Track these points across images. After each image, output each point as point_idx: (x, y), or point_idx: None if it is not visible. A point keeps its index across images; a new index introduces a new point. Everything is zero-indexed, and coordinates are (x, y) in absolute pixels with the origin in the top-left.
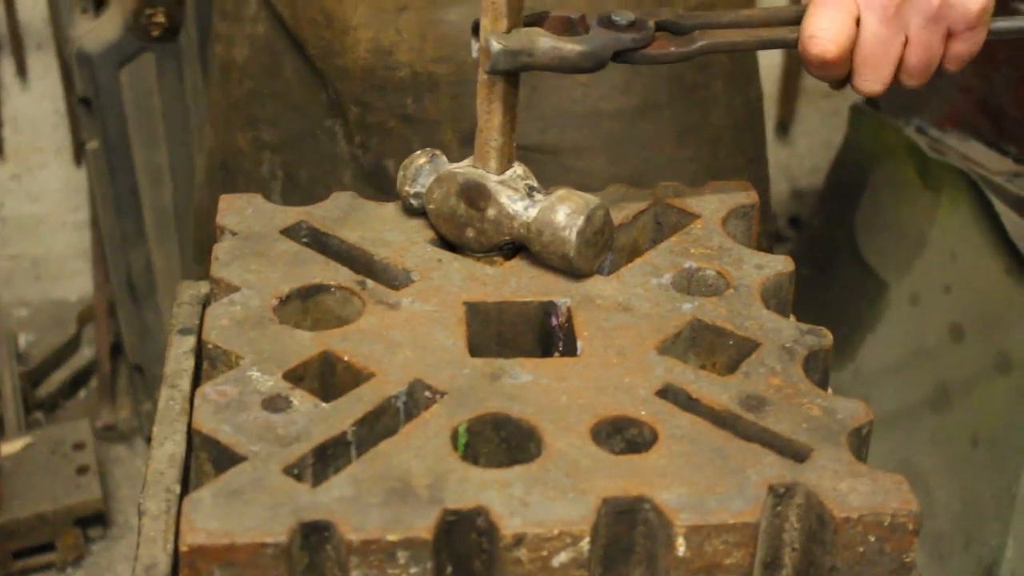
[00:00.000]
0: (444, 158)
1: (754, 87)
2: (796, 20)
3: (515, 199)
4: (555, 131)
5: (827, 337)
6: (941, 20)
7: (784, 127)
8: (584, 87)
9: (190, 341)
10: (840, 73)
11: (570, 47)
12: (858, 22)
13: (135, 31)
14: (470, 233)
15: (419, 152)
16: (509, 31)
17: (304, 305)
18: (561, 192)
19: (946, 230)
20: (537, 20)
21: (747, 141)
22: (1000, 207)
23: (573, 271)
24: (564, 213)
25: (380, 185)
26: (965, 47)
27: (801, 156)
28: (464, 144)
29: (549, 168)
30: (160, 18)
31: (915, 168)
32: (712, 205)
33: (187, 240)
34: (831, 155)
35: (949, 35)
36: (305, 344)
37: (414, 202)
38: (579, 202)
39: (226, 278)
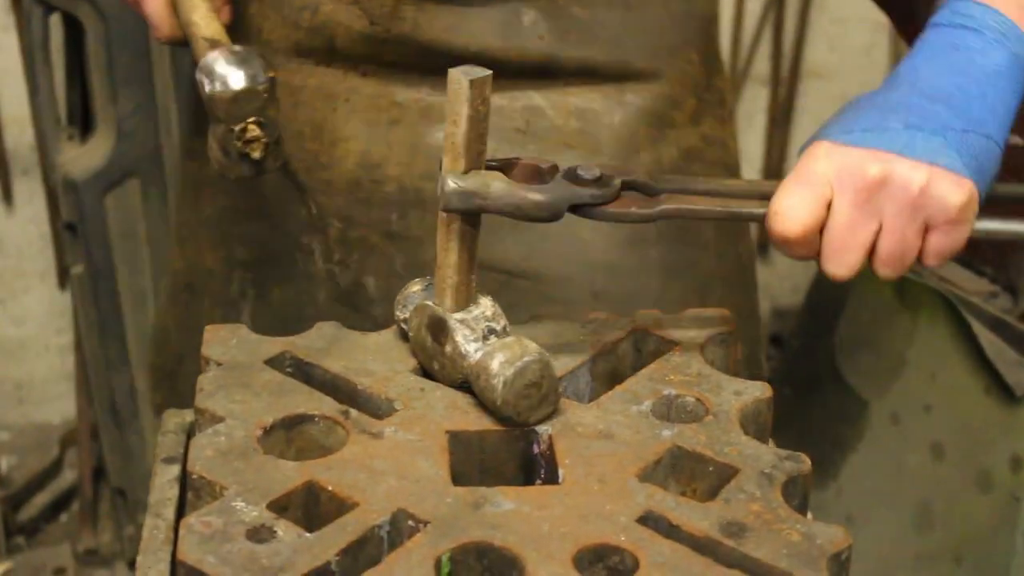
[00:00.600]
0: None
1: (745, 242)
2: (772, 194)
3: (469, 339)
4: (539, 258)
5: (805, 463)
6: (917, 211)
7: (764, 247)
8: (570, 218)
9: (174, 470)
10: (805, 253)
11: (525, 195)
12: (831, 205)
13: (229, 167)
14: (436, 366)
15: (416, 280)
16: (467, 172)
17: (288, 435)
18: (507, 340)
19: (925, 350)
20: (507, 165)
21: (738, 294)
22: (978, 327)
23: (502, 420)
24: (498, 362)
25: (355, 304)
26: (944, 242)
27: (781, 276)
28: None
29: (531, 295)
30: (255, 131)
31: (893, 288)
32: (691, 332)
33: (142, 366)
34: (811, 275)
35: (928, 228)
36: (289, 474)
37: (405, 327)
38: (516, 352)
39: (211, 408)
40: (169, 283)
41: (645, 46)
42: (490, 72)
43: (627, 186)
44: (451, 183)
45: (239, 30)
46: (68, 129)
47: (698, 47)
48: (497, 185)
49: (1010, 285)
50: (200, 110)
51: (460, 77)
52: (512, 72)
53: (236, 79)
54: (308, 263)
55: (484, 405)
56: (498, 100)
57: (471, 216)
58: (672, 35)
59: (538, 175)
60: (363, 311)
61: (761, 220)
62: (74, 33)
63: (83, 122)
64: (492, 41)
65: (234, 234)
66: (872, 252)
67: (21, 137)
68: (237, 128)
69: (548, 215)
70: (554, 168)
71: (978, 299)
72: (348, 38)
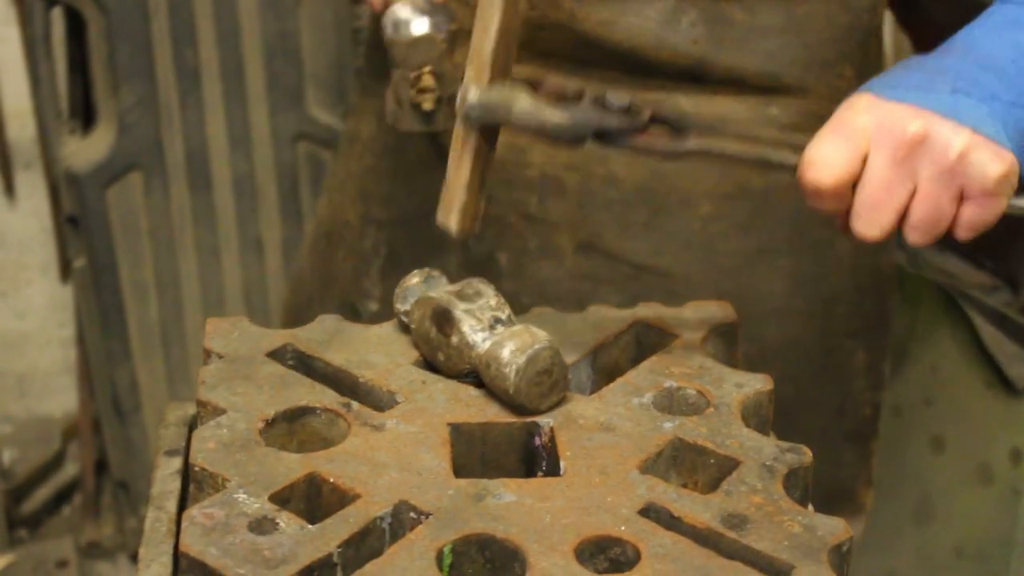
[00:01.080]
0: (443, 279)
1: (887, 256)
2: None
3: (476, 329)
4: (669, 256)
5: (807, 455)
6: (954, 177)
7: None
8: (703, 220)
9: (176, 463)
10: (835, 207)
11: (549, 114)
12: (867, 160)
13: (400, 117)
14: (440, 357)
15: (415, 272)
16: (495, 61)
17: (290, 427)
18: (516, 328)
19: (926, 344)
20: (534, 84)
21: (870, 307)
22: (978, 321)
23: (516, 408)
24: (509, 350)
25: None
26: (978, 214)
27: None
28: (579, 251)
29: (657, 291)
30: (429, 81)
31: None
32: (692, 325)
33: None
34: None
35: (963, 198)
36: (291, 466)
37: (405, 319)
38: (526, 340)
39: (213, 401)
40: (312, 229)
41: (799, 59)
42: None
43: (656, 119)
44: (473, 93)
45: None
46: (70, 122)
47: (853, 61)
48: (522, 101)
49: (1011, 278)
50: (369, 67)
51: None
52: (662, 73)
53: (418, 25)
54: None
55: (490, 395)
56: (646, 99)
57: (489, 132)
58: (829, 49)
59: (563, 97)
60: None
61: (793, 169)
62: (76, 26)
63: (85, 115)
64: (646, 40)
65: (375, 192)
66: (904, 216)
67: (23, 130)
68: (412, 75)
69: (571, 137)
70: (581, 92)
71: (979, 292)
72: None
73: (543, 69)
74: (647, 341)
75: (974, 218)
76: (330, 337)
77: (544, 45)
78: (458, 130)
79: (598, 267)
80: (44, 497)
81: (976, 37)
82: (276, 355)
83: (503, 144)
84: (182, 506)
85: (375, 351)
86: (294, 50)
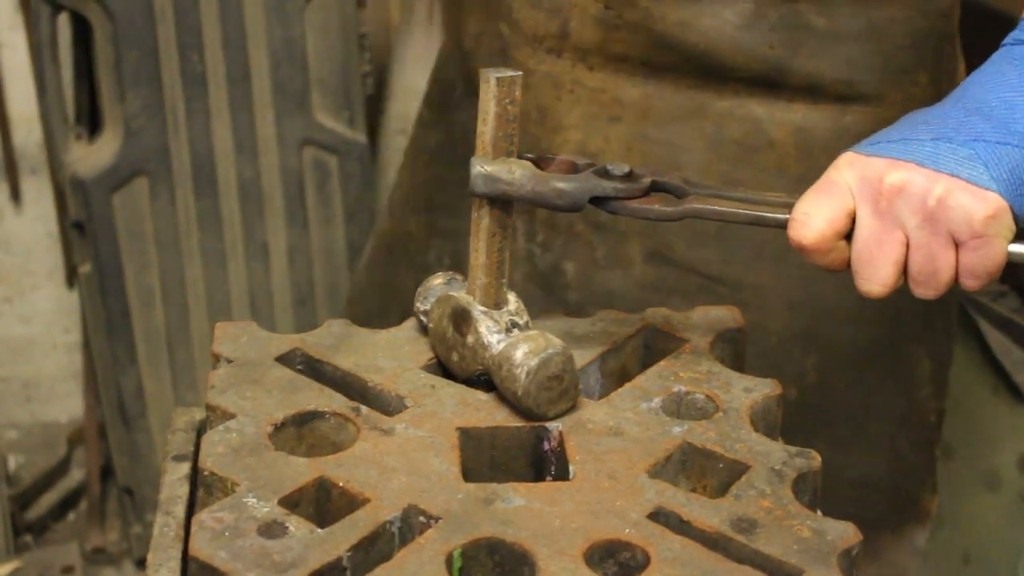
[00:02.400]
0: (463, 282)
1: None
2: None
3: (493, 331)
4: (739, 267)
5: (815, 459)
6: (938, 224)
7: None
8: (749, 310)
9: (185, 468)
10: (827, 263)
11: (548, 183)
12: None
13: None
14: (455, 357)
15: (438, 273)
16: (496, 144)
17: (299, 432)
18: (531, 332)
19: None
20: (545, 160)
21: (934, 314)
22: (986, 327)
23: (524, 412)
24: (522, 352)
25: (551, 287)
26: (974, 259)
27: None
28: (648, 260)
29: (728, 301)
30: None
31: None
32: (700, 330)
33: (150, 365)
34: None
35: (958, 246)
36: (300, 470)
37: (424, 319)
38: (540, 343)
39: (222, 405)
40: (372, 244)
41: (876, 65)
42: (520, 73)
43: (657, 187)
44: (477, 167)
45: (495, 9)
46: (76, 128)
47: (928, 68)
48: (521, 172)
49: (1018, 285)
50: (437, 83)
51: (489, 76)
52: (737, 79)
53: None
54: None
55: (499, 400)
56: (719, 106)
57: (500, 211)
58: (906, 55)
59: (573, 170)
60: (557, 295)
61: (784, 226)
62: (82, 32)
63: (91, 121)
64: (723, 42)
65: (439, 203)
66: (905, 270)
67: (29, 136)
68: None
69: (569, 204)
70: (590, 164)
71: (986, 298)
72: (582, 22)
73: (615, 76)
74: (656, 346)
75: (973, 264)
76: (339, 341)
77: (617, 48)
78: (473, 215)
79: (667, 277)
80: (49, 503)
81: (969, 84)
82: (285, 359)
83: (573, 152)
84: (190, 511)
85: (384, 355)
86: (300, 56)
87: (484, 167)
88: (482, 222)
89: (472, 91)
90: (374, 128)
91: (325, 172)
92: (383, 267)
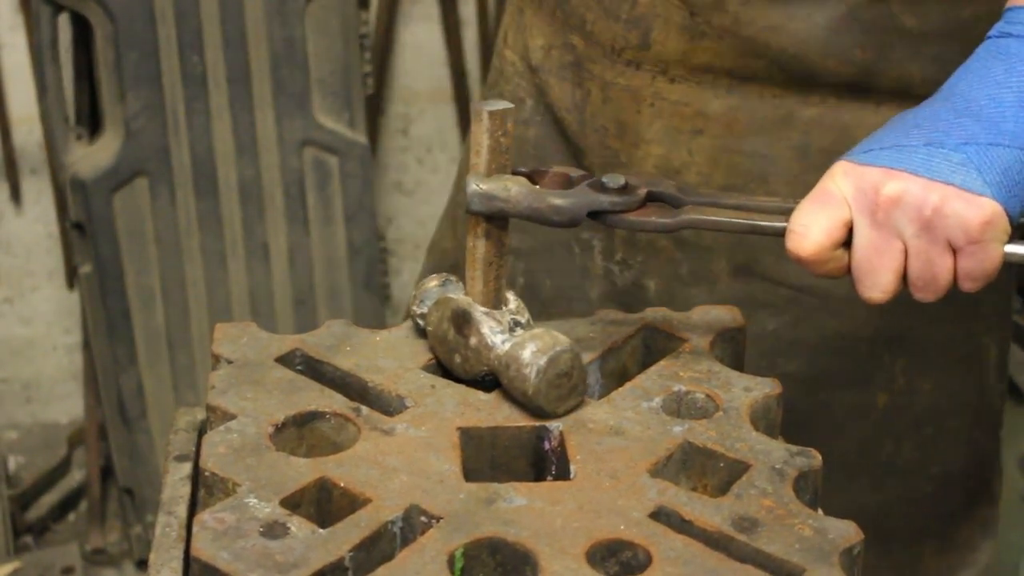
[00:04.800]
0: (460, 285)
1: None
2: None
3: (496, 331)
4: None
5: (816, 458)
6: (935, 231)
7: None
8: (839, 319)
9: (186, 468)
10: (825, 272)
11: (544, 199)
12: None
13: None
14: (457, 359)
15: (433, 275)
16: (489, 175)
17: (300, 432)
18: (536, 330)
19: None
20: (540, 173)
21: (1002, 303)
22: None
23: (534, 410)
24: (530, 351)
25: (631, 306)
26: (972, 264)
27: None
28: (736, 275)
29: (818, 313)
30: None
31: None
32: (700, 329)
33: (150, 365)
34: None
35: (955, 251)
36: (301, 471)
37: (421, 322)
38: (547, 342)
39: (222, 406)
40: (434, 261)
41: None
42: (511, 106)
43: (653, 197)
44: (473, 185)
45: (564, 21)
46: (76, 129)
47: None
48: (516, 189)
49: (1020, 286)
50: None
51: (481, 109)
52: (825, 85)
53: None
54: (586, 258)
55: (500, 399)
56: (807, 114)
57: (496, 227)
58: None
59: (567, 183)
60: (638, 313)
61: (782, 235)
62: (82, 33)
63: (91, 121)
64: (812, 46)
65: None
66: (905, 276)
67: (29, 136)
68: None
69: (566, 220)
70: (584, 177)
71: None
72: (665, 31)
73: (699, 87)
74: (655, 345)
75: (970, 268)
76: (339, 342)
77: (702, 58)
78: (469, 230)
79: (755, 291)
80: (50, 504)
81: (956, 81)
82: (285, 360)
83: (655, 167)
84: (192, 512)
85: (384, 356)
86: (300, 56)
87: (480, 185)
88: (478, 235)
89: (545, 105)
90: (374, 128)
91: (325, 172)
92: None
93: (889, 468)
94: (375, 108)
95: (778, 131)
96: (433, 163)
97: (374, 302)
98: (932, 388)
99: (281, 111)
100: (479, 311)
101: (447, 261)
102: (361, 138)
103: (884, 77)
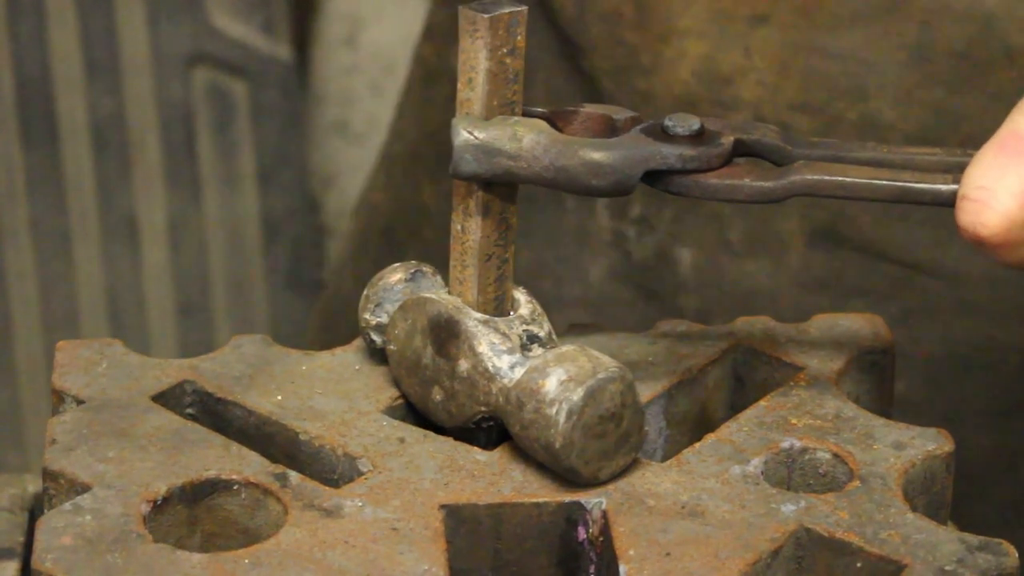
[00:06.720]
0: (437, 278)
1: None
2: None
3: (500, 350)
4: (958, 249)
5: (1010, 555)
6: None
7: None
8: (976, 314)
9: (11, 568)
10: (1019, 259)
11: (575, 152)
12: None
13: None
14: (437, 395)
15: (396, 265)
16: (489, 117)
17: (191, 513)
18: (565, 349)
19: None
20: (564, 114)
21: None
22: None
23: (563, 474)
24: (556, 380)
25: (653, 288)
26: None
27: None
28: (814, 242)
29: (943, 300)
30: None
31: None
32: (822, 351)
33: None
34: None
35: None
36: (195, 574)
37: (378, 339)
38: (584, 366)
39: (68, 471)
40: (356, 226)
41: None
42: (523, 7)
43: (744, 149)
44: (464, 134)
45: None
46: None
47: None
48: (532, 138)
49: None
50: None
51: (474, 14)
52: None
53: None
54: (586, 216)
55: (512, 456)
56: None
57: (500, 190)
58: None
59: (610, 129)
60: (662, 298)
61: (947, 203)
62: None
63: None
64: None
65: None
66: None
67: None
68: None
69: (609, 184)
70: (633, 120)
71: None
72: None
73: None
74: (752, 376)
75: None
76: (252, 370)
77: None
78: (456, 187)
79: (844, 268)
80: None
81: None
82: (168, 398)
83: (692, 73)
84: None
85: (323, 391)
86: None
87: (474, 133)
88: (472, 197)
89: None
90: (304, 38)
91: (227, 105)
92: (375, 254)
93: None
94: (306, 4)
95: (884, 20)
96: (395, 91)
97: (304, 307)
98: None
99: (156, 10)
100: (472, 319)
101: (377, 223)
102: (283, 52)
103: None
